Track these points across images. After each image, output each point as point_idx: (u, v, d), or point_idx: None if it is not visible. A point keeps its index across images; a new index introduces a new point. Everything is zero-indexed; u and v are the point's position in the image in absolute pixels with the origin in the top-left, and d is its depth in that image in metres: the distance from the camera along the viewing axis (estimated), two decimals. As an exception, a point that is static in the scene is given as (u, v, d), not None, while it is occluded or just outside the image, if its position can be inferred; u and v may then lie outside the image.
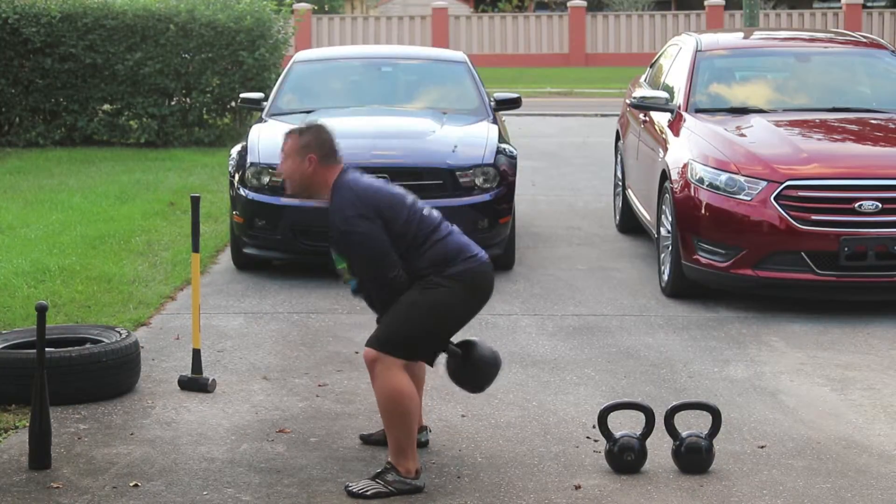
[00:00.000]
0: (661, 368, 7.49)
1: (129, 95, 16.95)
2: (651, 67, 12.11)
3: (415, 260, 5.57)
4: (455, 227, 5.76)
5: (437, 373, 6.93)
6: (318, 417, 6.58)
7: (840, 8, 36.41)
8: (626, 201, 11.34)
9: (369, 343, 5.61)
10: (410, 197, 5.71)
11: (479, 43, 37.73)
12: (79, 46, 16.80)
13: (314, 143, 5.65)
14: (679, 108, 10.00)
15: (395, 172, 9.07)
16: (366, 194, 5.58)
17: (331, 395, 6.97)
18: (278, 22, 17.58)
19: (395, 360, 5.54)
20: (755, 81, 10.60)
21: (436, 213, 5.74)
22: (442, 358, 5.88)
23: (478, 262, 5.67)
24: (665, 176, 9.42)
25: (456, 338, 5.78)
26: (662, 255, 9.41)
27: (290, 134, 5.72)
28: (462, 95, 11.23)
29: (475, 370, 5.81)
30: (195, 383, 7.01)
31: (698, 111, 9.91)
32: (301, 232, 9.53)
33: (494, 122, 10.64)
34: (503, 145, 10.07)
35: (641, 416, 6.02)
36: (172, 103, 17.19)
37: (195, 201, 7.21)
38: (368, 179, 5.71)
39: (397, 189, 5.74)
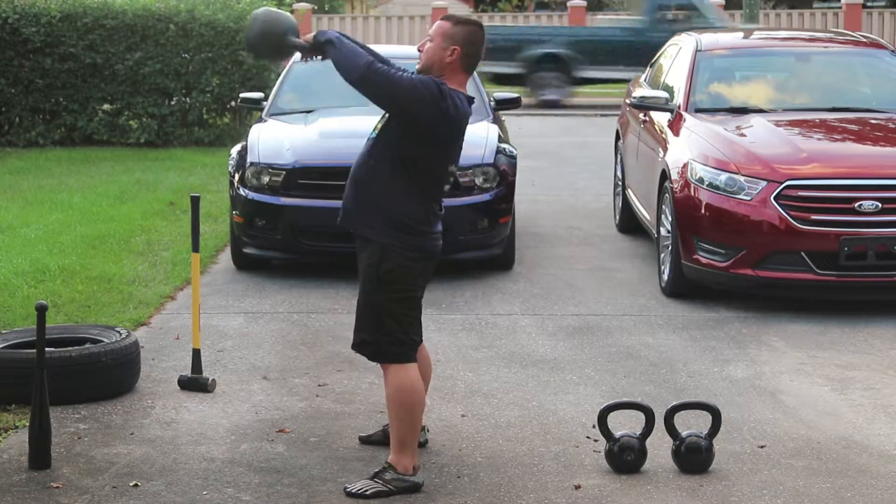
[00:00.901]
0: (661, 368, 7.49)
1: (129, 95, 16.95)
2: (651, 67, 12.11)
3: (423, 183, 5.59)
4: None
5: (436, 373, 6.94)
6: (318, 417, 6.58)
7: (840, 8, 36.36)
8: (626, 201, 11.34)
9: (372, 358, 5.70)
10: (459, 154, 5.73)
11: (478, 43, 37.63)
12: (79, 46, 16.79)
13: (462, 39, 5.57)
14: (679, 107, 9.99)
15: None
16: (462, 111, 5.54)
17: (331, 395, 6.97)
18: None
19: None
20: (755, 81, 10.60)
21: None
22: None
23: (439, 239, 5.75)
24: (665, 176, 9.42)
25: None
26: (662, 255, 9.40)
27: (448, 18, 5.63)
28: (462, 95, 11.20)
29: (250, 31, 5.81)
30: (195, 383, 7.01)
31: (698, 111, 9.91)
32: (301, 232, 9.53)
33: (494, 121, 10.63)
34: (503, 145, 10.07)
35: (641, 416, 6.01)
36: (172, 103, 17.19)
37: (195, 201, 7.21)
38: (470, 112, 5.65)
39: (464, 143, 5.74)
